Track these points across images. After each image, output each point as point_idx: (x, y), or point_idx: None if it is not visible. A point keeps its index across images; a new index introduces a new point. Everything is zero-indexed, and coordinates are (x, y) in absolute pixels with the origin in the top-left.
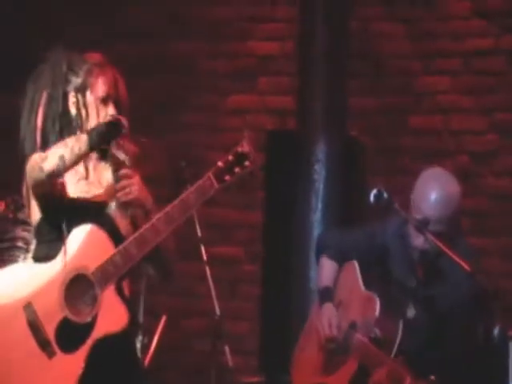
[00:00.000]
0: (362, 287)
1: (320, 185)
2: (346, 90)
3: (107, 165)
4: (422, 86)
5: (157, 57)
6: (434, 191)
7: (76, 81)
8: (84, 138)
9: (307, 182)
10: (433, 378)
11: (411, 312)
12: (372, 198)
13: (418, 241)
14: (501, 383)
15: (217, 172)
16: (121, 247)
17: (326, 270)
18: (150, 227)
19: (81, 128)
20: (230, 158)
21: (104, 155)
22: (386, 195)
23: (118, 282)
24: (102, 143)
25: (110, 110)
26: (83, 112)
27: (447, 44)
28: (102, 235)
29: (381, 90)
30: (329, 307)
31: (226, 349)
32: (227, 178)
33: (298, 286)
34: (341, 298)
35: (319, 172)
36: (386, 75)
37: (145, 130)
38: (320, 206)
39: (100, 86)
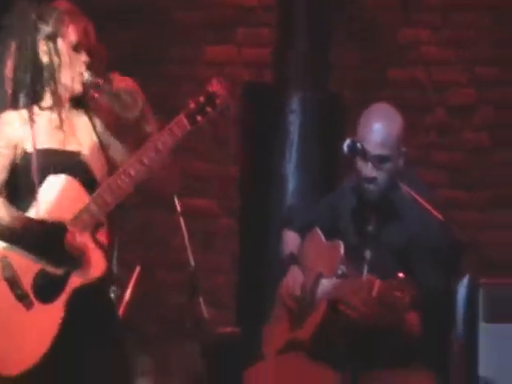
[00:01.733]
0: (325, 241)
1: (295, 136)
2: (325, 42)
3: (81, 113)
4: (403, 38)
5: (133, 8)
6: (375, 116)
7: (46, 29)
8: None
9: (282, 134)
10: (401, 275)
11: (368, 253)
12: (345, 148)
13: (367, 169)
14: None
15: (188, 113)
16: (95, 195)
17: (289, 240)
18: (122, 172)
19: (53, 77)
20: (201, 98)
21: (79, 104)
22: (359, 145)
23: (94, 230)
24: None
25: (83, 57)
26: (55, 60)
27: None
28: (75, 185)
29: (361, 41)
30: (294, 269)
31: (201, 300)
32: (199, 118)
33: (274, 239)
34: (305, 263)
35: (294, 123)
36: (367, 27)
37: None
38: (295, 157)
39: (71, 34)
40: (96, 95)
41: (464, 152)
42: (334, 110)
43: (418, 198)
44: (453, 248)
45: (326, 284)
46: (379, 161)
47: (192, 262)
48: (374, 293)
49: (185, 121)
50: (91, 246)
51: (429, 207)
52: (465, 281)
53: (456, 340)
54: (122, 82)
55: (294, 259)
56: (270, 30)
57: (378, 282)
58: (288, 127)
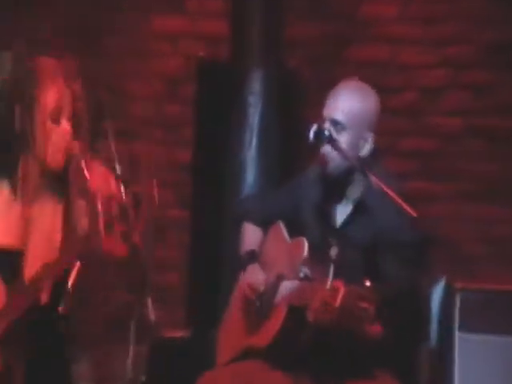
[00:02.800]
0: (288, 238)
1: (255, 119)
2: (284, 15)
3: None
4: (368, 12)
5: None
6: (344, 86)
7: (21, 92)
8: None
9: (241, 116)
10: (367, 282)
11: (334, 251)
12: (311, 134)
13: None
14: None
15: None
16: None
17: (249, 235)
18: None
19: (26, 147)
20: None
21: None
22: (327, 132)
23: None
24: None
25: (63, 127)
26: (28, 129)
27: None
28: None
29: (322, 16)
30: (252, 268)
31: (149, 300)
32: None
33: (230, 233)
34: (267, 260)
35: (254, 105)
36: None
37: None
38: (255, 141)
39: (49, 99)
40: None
41: (435, 138)
42: (294, 87)
43: (387, 189)
44: (422, 244)
45: (286, 287)
46: (333, 125)
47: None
48: (338, 301)
49: None
50: None
51: (398, 200)
52: (440, 284)
53: (429, 350)
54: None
55: (254, 257)
56: (223, 0)
57: (342, 290)
58: (247, 109)
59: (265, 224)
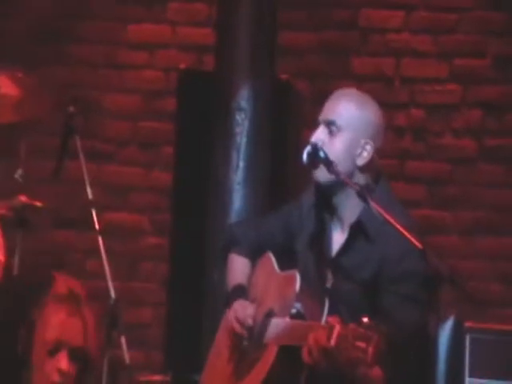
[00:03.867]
0: (278, 271)
1: (242, 138)
2: (276, 22)
3: None
4: (370, 20)
5: None
6: (341, 91)
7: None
8: None
9: (227, 135)
10: (366, 320)
11: (329, 281)
12: (305, 156)
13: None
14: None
15: None
16: None
17: (235, 268)
18: None
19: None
20: None
21: None
22: (322, 153)
23: None
24: None
25: (60, 363)
26: (28, 352)
27: None
28: None
29: (319, 23)
30: (239, 303)
31: (123, 340)
32: None
33: (213, 263)
34: (255, 295)
35: (241, 123)
36: (326, 5)
37: (26, 64)
38: (242, 164)
39: (48, 329)
40: None
41: (445, 160)
42: (287, 103)
43: (388, 216)
44: (429, 279)
45: (277, 324)
46: (327, 126)
47: (112, 293)
48: (333, 341)
49: None
50: None
51: (402, 229)
52: (449, 323)
53: None
54: None
55: (240, 292)
56: (207, 7)
57: (337, 328)
58: (234, 126)
59: (253, 254)
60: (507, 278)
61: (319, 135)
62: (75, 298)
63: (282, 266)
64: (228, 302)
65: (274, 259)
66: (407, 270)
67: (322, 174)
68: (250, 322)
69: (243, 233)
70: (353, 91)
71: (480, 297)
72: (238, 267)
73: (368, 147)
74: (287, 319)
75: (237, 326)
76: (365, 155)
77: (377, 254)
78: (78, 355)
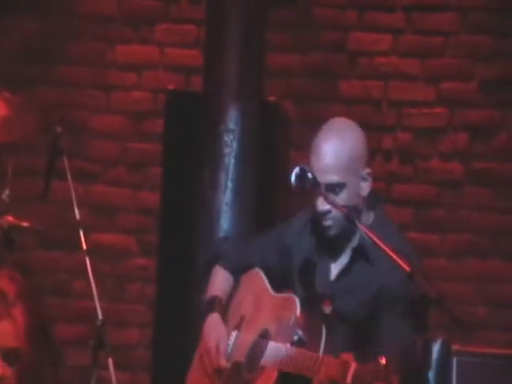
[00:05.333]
0: (273, 292)
1: (231, 159)
2: (264, 44)
3: None
4: (358, 43)
5: None
6: (324, 135)
7: None
8: None
9: (215, 156)
10: (383, 360)
11: (327, 307)
12: (293, 178)
13: (318, 202)
14: None
15: None
16: None
17: (216, 280)
18: None
19: None
20: None
21: None
22: (310, 175)
23: None
24: None
25: None
26: None
27: None
28: None
29: (307, 45)
30: (213, 320)
31: (110, 362)
32: None
33: (201, 285)
34: (243, 313)
35: (230, 144)
36: (314, 28)
37: (13, 84)
38: (230, 185)
39: None
40: None
41: (432, 184)
42: (275, 125)
43: (376, 240)
44: (417, 302)
45: (278, 349)
46: (330, 190)
47: (100, 314)
48: (349, 378)
49: None
50: None
51: (390, 252)
52: (436, 346)
53: None
54: None
55: (214, 305)
56: (196, 28)
57: (354, 366)
58: (222, 148)
59: (238, 273)
60: (494, 301)
61: (325, 205)
62: (3, 298)
63: (274, 288)
64: (202, 315)
65: (264, 277)
66: (402, 297)
67: (321, 203)
68: (223, 361)
69: (231, 250)
70: (333, 132)
71: (467, 320)
72: (218, 279)
73: (367, 176)
74: (289, 345)
75: (214, 359)
76: (367, 184)
77: (376, 277)
78: (11, 357)
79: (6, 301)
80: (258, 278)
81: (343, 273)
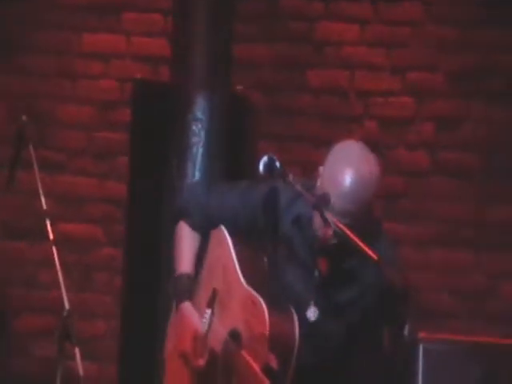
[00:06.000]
0: (242, 279)
1: (198, 149)
2: (231, 34)
3: None
4: (325, 33)
5: None
6: (346, 178)
7: None
8: None
9: (182, 146)
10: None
11: (313, 313)
12: (261, 167)
13: (319, 228)
14: None
15: None
16: None
17: (185, 245)
18: None
19: None
20: None
21: None
22: (278, 164)
23: None
24: None
25: None
26: None
27: None
28: None
29: (274, 36)
30: (186, 314)
31: (77, 353)
32: None
33: (168, 274)
34: (214, 285)
35: (198, 133)
36: (281, 18)
37: None
38: (198, 175)
39: None
40: None
41: (398, 174)
42: (243, 115)
43: (346, 230)
44: (386, 296)
45: (249, 365)
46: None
47: (66, 304)
48: None
49: None
50: None
51: (358, 241)
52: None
53: None
54: None
55: (185, 287)
56: (163, 17)
57: None
58: (190, 137)
59: (207, 229)
60: (458, 290)
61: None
62: None
63: (242, 259)
64: (177, 297)
65: (230, 242)
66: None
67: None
68: (201, 363)
69: (198, 201)
70: (358, 174)
71: (431, 308)
72: (187, 246)
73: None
74: (258, 371)
75: (189, 359)
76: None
77: (359, 295)
78: None
79: None
80: (224, 242)
81: (326, 279)
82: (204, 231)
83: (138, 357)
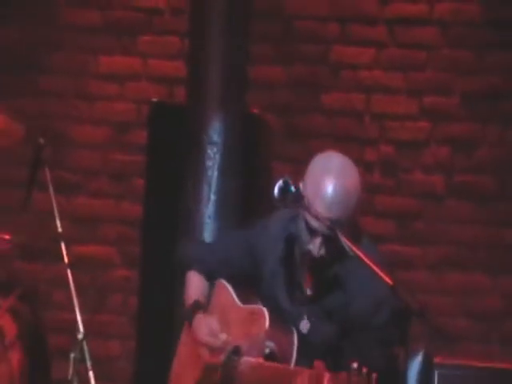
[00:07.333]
0: (240, 304)
1: (214, 172)
2: (247, 56)
3: None
4: (341, 56)
5: (13, 2)
6: (329, 188)
7: None
8: None
9: (198, 169)
10: (355, 365)
11: (305, 326)
12: (276, 190)
13: (314, 245)
14: None
15: None
16: None
17: (193, 285)
18: None
19: None
20: None
21: None
22: (293, 188)
23: None
24: None
25: None
26: None
27: (371, 8)
28: None
29: (290, 58)
30: (201, 318)
31: (91, 374)
32: None
33: (182, 296)
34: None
35: (213, 156)
36: (297, 40)
37: None
38: (213, 198)
39: None
40: None
41: (414, 197)
42: (257, 137)
43: (359, 252)
44: (401, 317)
45: (251, 365)
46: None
47: (81, 326)
48: None
49: None
50: None
51: (372, 265)
52: (418, 358)
53: None
54: None
55: (198, 307)
56: (179, 40)
57: (327, 376)
58: (205, 160)
59: (211, 275)
60: (474, 313)
61: (319, 248)
62: (1, 339)
63: (240, 294)
64: (188, 317)
65: (231, 289)
66: (380, 317)
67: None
68: (222, 337)
69: (200, 251)
70: (339, 182)
71: (448, 332)
72: (196, 284)
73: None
74: (261, 360)
75: (210, 340)
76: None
77: (347, 298)
78: None
79: (3, 342)
80: (224, 291)
81: (313, 292)
82: (211, 278)
83: (153, 378)
